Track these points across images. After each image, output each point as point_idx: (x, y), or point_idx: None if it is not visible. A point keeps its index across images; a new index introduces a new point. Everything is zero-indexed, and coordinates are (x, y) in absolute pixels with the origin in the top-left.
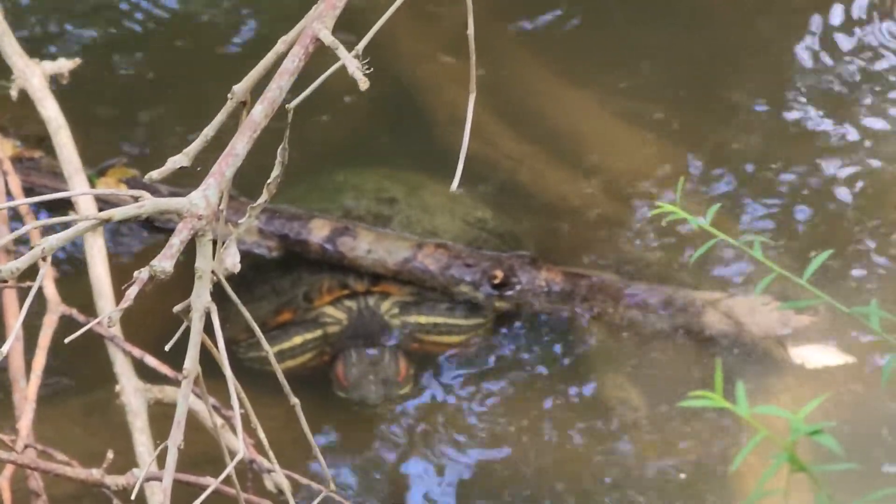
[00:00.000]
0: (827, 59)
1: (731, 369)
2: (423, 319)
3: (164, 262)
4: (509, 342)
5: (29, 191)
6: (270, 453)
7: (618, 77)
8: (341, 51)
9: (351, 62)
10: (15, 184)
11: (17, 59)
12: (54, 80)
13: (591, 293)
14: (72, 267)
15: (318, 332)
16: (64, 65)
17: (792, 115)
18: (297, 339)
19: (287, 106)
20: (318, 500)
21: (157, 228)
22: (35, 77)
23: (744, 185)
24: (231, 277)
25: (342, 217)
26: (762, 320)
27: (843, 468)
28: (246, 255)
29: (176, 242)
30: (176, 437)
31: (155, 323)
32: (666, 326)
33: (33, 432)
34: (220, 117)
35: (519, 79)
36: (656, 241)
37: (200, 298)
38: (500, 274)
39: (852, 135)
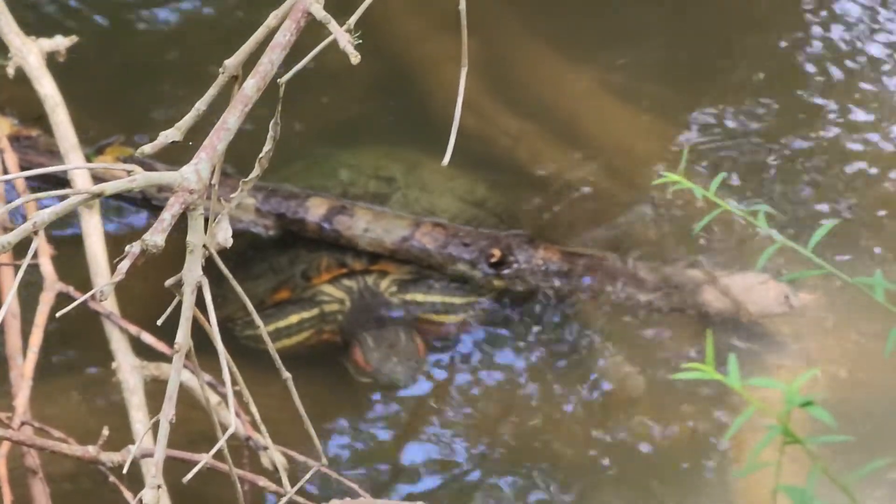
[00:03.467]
0: (825, 36)
1: (728, 347)
2: (420, 298)
3: (156, 237)
4: (506, 321)
5: (27, 169)
6: (263, 428)
7: (616, 55)
8: (332, 25)
9: (342, 36)
10: (12, 161)
11: (14, 37)
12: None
13: (589, 272)
14: (71, 246)
15: (315, 311)
16: (61, 42)
17: (790, 92)
18: (294, 318)
19: (279, 80)
20: (310, 474)
21: (156, 208)
22: (32, 55)
23: (741, 162)
24: (229, 256)
25: (340, 196)
26: (759, 299)
27: (838, 440)
28: (244, 234)
29: (167, 217)
30: (168, 412)
31: (152, 301)
32: (663, 305)
33: (30, 409)
34: (212, 91)
35: (517, 57)
36: (654, 219)
37: (192, 273)
38: (497, 253)
39: (853, 112)
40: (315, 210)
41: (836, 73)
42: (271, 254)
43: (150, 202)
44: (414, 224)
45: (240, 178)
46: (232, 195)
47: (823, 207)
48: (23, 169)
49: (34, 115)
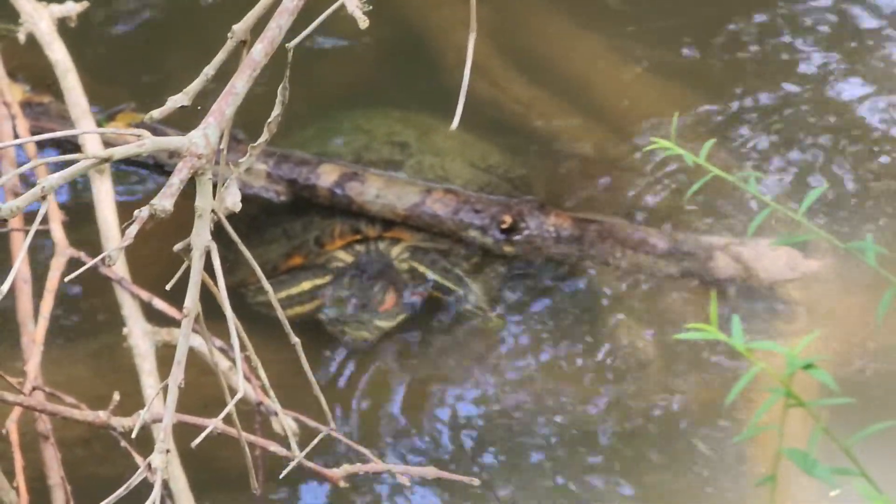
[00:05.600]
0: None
1: (740, 312)
2: (421, 269)
3: (164, 201)
4: (518, 287)
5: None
6: (271, 392)
7: (626, 21)
8: None
9: (350, 1)
10: (23, 127)
11: (25, 2)
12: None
13: (600, 238)
14: (83, 212)
15: (328, 279)
16: (72, 8)
17: (803, 58)
18: (306, 285)
19: (287, 45)
20: (318, 438)
21: (168, 174)
22: (43, 21)
23: (753, 127)
24: (242, 220)
25: (354, 161)
26: (770, 265)
27: (840, 402)
28: (256, 199)
29: (175, 181)
30: (177, 376)
31: (165, 268)
32: (674, 271)
33: (41, 375)
34: (220, 56)
35: (529, 23)
36: (666, 185)
37: (200, 237)
38: (508, 219)
39: (867, 76)
40: (327, 176)
41: (850, 35)
42: (285, 219)
43: (162, 167)
44: (425, 190)
45: (250, 143)
46: (241, 160)
47: (837, 169)
48: (35, 135)
49: (46, 81)
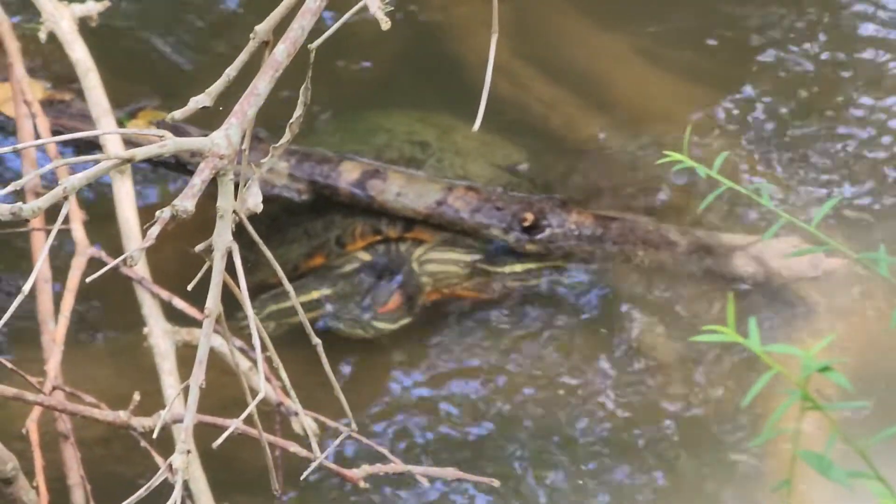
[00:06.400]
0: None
1: (758, 313)
2: (434, 258)
3: (186, 202)
4: (537, 286)
5: (59, 134)
6: (293, 393)
7: (648, 21)
8: None
9: (373, 1)
10: (44, 126)
11: (46, 2)
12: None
13: (622, 235)
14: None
15: (336, 288)
16: (93, 7)
17: (823, 58)
18: (315, 294)
19: (309, 46)
20: (340, 439)
21: (191, 173)
22: (64, 20)
23: (773, 127)
24: (263, 220)
25: (375, 159)
26: (793, 263)
27: (857, 406)
28: (277, 198)
29: (197, 182)
30: (198, 376)
31: (185, 268)
32: (695, 269)
33: (61, 374)
34: (243, 57)
35: (550, 23)
36: (687, 186)
37: (222, 238)
38: (530, 217)
39: (888, 81)
40: (348, 174)
41: (873, 38)
42: (306, 218)
43: (185, 166)
44: (447, 188)
45: (273, 142)
46: (262, 160)
47: (861, 171)
48: (55, 133)
49: (68, 78)
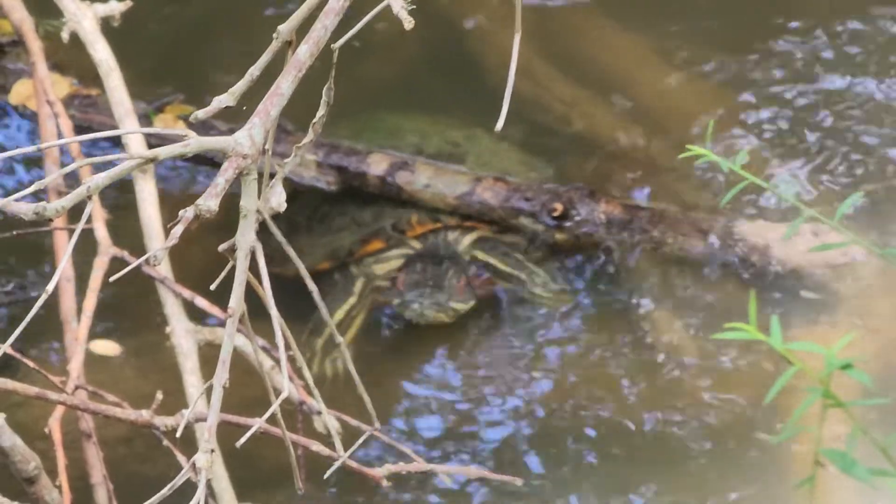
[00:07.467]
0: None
1: (780, 309)
2: (480, 255)
3: (210, 201)
4: (563, 280)
5: (87, 129)
6: (316, 392)
7: (669, 21)
8: None
9: (396, 1)
10: (67, 125)
11: (69, 1)
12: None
13: (651, 223)
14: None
15: (353, 300)
16: (115, 7)
17: (846, 61)
18: (340, 314)
19: (332, 46)
20: (363, 438)
21: (218, 165)
22: (86, 19)
23: (793, 124)
24: (303, 211)
25: (413, 155)
26: (819, 253)
27: (879, 403)
28: (311, 190)
29: (221, 181)
30: (221, 376)
31: (209, 267)
32: (724, 257)
33: (84, 374)
34: (266, 57)
35: (571, 24)
36: (709, 184)
37: (245, 237)
38: (559, 206)
39: None
40: (376, 165)
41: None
42: (351, 209)
43: (211, 159)
44: (475, 179)
45: (300, 135)
46: (285, 160)
47: (871, 172)
48: (81, 129)
49: (93, 74)
